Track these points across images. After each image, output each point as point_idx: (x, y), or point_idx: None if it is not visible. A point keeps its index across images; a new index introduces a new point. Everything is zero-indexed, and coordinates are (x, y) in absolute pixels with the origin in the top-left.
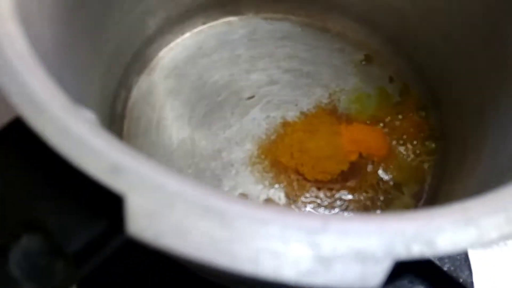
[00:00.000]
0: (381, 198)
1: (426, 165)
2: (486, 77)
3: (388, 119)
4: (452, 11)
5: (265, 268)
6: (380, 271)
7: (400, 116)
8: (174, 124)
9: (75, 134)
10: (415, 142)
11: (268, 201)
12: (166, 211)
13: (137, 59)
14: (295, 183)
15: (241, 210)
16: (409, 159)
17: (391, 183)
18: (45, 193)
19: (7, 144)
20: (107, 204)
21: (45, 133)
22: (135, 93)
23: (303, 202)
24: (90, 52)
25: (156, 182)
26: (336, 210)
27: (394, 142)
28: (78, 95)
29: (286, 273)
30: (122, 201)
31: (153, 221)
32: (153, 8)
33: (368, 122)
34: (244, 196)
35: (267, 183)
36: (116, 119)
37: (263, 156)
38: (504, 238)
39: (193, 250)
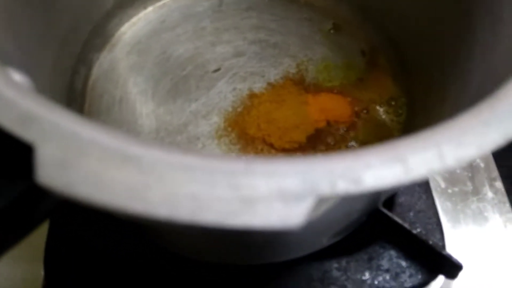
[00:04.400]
0: None
1: (392, 127)
2: (450, 38)
3: (355, 86)
4: None
5: (182, 212)
6: (303, 210)
7: (366, 83)
8: (137, 99)
9: None
10: (379, 107)
11: None
12: (79, 160)
13: (97, 35)
14: (262, 153)
15: (162, 157)
16: (375, 124)
17: (359, 146)
18: None
19: None
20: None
21: None
22: (96, 70)
23: None
24: (40, 22)
25: (70, 131)
26: None
27: (360, 108)
28: (21, 67)
29: (205, 216)
30: (32, 151)
31: (64, 170)
32: None
33: (335, 91)
34: None
35: (233, 155)
36: (76, 97)
37: (229, 129)
38: (434, 173)
39: (107, 198)
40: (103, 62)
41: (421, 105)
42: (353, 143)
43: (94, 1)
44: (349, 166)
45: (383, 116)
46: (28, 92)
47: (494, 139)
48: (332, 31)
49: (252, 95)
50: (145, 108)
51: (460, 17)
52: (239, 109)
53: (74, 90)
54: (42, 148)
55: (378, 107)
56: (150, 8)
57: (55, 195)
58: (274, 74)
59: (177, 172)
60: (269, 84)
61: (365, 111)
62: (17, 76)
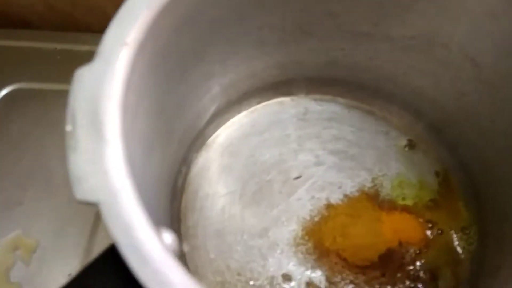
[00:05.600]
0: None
1: (463, 257)
2: None
3: (428, 207)
4: (493, 116)
5: None
6: None
7: (439, 206)
8: (226, 200)
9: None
10: (452, 232)
11: (309, 284)
12: None
13: (198, 138)
14: (336, 267)
15: None
16: (445, 249)
17: (427, 274)
18: None
19: (107, 263)
20: None
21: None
22: (193, 168)
23: (344, 285)
24: (164, 144)
25: None
26: None
27: (432, 232)
28: (152, 183)
29: None
30: None
31: None
32: (216, 96)
33: (409, 210)
34: (287, 276)
35: (309, 265)
36: (177, 194)
37: (307, 238)
38: None
39: None
40: (199, 161)
41: (493, 237)
42: (422, 267)
43: (202, 114)
44: None
45: (455, 243)
46: (169, 259)
47: None
48: (407, 148)
49: (329, 206)
50: (233, 209)
51: None
52: (316, 219)
53: (176, 187)
54: None
55: (450, 232)
56: (243, 113)
57: None
58: (350, 187)
59: None
60: (345, 196)
61: (437, 234)
62: (167, 235)
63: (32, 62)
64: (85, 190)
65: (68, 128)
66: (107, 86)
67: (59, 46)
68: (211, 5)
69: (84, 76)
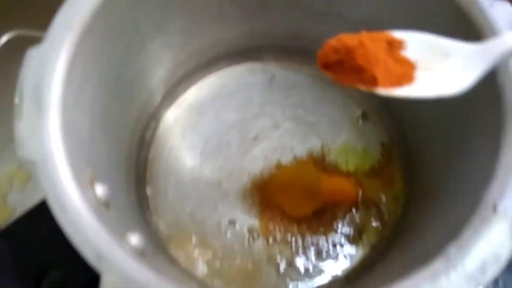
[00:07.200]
0: (342, 241)
1: (387, 219)
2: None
3: (367, 174)
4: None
5: None
6: None
7: (377, 174)
8: (189, 153)
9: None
10: (383, 198)
11: (250, 230)
12: None
13: (167, 97)
14: (275, 218)
15: None
16: (374, 212)
17: (355, 230)
18: (65, 251)
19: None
20: None
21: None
22: (163, 124)
23: (279, 233)
24: (122, 110)
25: (127, 272)
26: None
27: (365, 196)
28: (108, 140)
29: None
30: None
31: None
32: (183, 61)
33: (348, 175)
34: (232, 222)
35: (252, 214)
36: (144, 145)
37: (254, 191)
38: None
39: None
40: (169, 118)
41: (416, 207)
42: (350, 223)
43: (169, 78)
44: None
45: (384, 207)
46: (105, 237)
47: None
48: (360, 120)
49: (278, 166)
50: (193, 162)
51: (465, 127)
52: (265, 176)
53: (144, 140)
54: (106, 276)
55: (381, 197)
56: (213, 76)
57: None
58: (300, 150)
59: None
60: (294, 158)
61: (369, 198)
62: (99, 189)
63: (33, 8)
64: (24, 151)
65: (16, 100)
66: (51, 65)
67: None
68: None
69: (32, 56)
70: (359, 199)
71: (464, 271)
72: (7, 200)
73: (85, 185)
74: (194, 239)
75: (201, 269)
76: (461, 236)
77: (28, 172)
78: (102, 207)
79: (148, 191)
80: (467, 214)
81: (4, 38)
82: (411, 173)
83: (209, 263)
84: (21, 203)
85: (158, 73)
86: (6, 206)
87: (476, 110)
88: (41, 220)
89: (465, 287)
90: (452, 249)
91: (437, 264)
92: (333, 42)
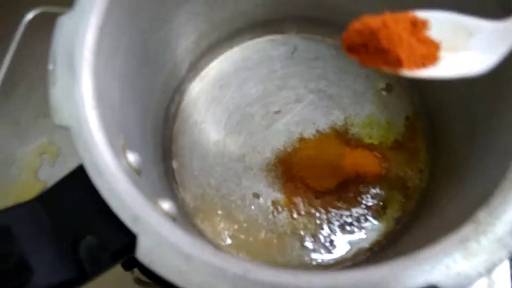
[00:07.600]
0: (366, 214)
1: (412, 193)
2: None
3: (390, 148)
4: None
5: None
6: None
7: (402, 147)
8: (213, 127)
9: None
10: (407, 171)
11: (275, 202)
12: (160, 251)
13: (191, 70)
14: (298, 191)
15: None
16: (398, 186)
17: (379, 203)
18: (101, 216)
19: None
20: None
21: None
22: (187, 98)
23: (303, 206)
24: (149, 80)
25: (163, 233)
26: (331, 219)
27: (389, 169)
28: (136, 109)
29: None
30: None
31: (151, 255)
32: (206, 33)
33: (372, 148)
34: (256, 195)
35: (276, 187)
36: (170, 118)
37: (278, 165)
38: None
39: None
40: (192, 91)
41: (441, 181)
42: (374, 196)
43: (193, 50)
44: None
45: (408, 180)
46: (140, 201)
47: None
48: (384, 91)
49: (301, 139)
50: (217, 136)
51: (492, 103)
52: (288, 149)
53: (169, 112)
54: (142, 238)
55: (406, 170)
56: (235, 49)
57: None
58: (323, 123)
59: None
60: (317, 131)
61: (393, 171)
62: (130, 156)
63: None
64: (60, 117)
65: (50, 67)
66: (81, 32)
67: None
68: None
69: (64, 22)
70: (383, 173)
71: (495, 235)
72: (38, 175)
73: (118, 151)
74: (219, 212)
75: (227, 241)
76: (491, 202)
77: (57, 147)
78: (135, 174)
79: (174, 164)
80: (495, 181)
81: (30, 15)
82: (436, 145)
83: (234, 236)
84: (51, 178)
85: (182, 44)
86: (37, 180)
87: (504, 87)
88: (76, 186)
89: (496, 252)
90: (481, 214)
91: (467, 230)
92: (356, 24)
